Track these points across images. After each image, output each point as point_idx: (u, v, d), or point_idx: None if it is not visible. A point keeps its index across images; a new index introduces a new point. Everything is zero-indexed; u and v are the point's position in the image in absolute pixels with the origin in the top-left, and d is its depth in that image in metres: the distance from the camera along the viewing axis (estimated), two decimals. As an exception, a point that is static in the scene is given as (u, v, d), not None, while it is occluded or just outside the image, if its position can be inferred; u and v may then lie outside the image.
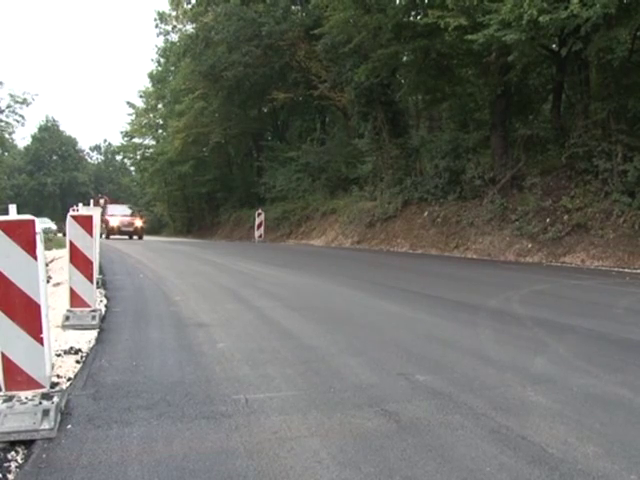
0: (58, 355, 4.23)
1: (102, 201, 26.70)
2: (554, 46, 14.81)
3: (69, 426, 2.99)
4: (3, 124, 41.59)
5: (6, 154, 55.48)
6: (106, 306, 6.48)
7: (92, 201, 10.86)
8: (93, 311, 5.41)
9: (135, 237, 25.71)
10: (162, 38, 37.97)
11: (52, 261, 11.27)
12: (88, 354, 4.42)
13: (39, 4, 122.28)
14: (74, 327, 5.14)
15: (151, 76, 44.63)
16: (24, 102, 40.64)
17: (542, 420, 3.10)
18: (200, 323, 5.68)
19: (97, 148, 78.47)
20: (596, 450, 2.74)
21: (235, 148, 35.16)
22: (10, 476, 2.52)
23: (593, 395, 3.54)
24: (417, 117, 23.08)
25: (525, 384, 3.72)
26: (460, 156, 17.19)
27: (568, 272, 11.01)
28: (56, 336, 4.72)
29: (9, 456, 2.66)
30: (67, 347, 4.47)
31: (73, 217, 5.31)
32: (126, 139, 46.06)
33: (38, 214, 3.68)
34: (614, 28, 11.41)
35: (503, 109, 16.31)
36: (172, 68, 40.06)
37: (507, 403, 3.36)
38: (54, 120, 69.07)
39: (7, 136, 45.60)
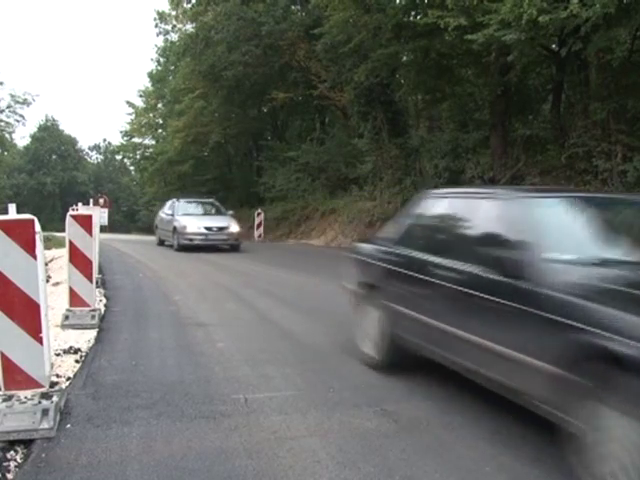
0: (57, 354, 4.23)
1: (102, 200, 26.66)
2: (554, 46, 14.76)
3: (68, 425, 2.99)
4: (3, 124, 41.47)
5: (5, 153, 55.35)
6: (105, 305, 6.47)
7: (92, 200, 10.87)
8: (92, 310, 5.41)
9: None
10: (162, 38, 37.75)
11: (51, 260, 11.25)
12: (87, 353, 4.42)
13: (39, 4, 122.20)
14: (73, 326, 5.13)
15: (151, 76, 44.48)
16: (25, 102, 40.51)
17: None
18: (200, 323, 5.68)
19: (97, 147, 78.19)
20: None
21: (235, 148, 35.06)
22: (9, 475, 2.51)
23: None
24: (417, 117, 23.03)
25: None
26: (460, 156, 17.16)
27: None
28: (55, 335, 4.72)
29: (8, 455, 2.66)
30: (66, 346, 4.47)
31: (73, 216, 5.32)
32: (126, 139, 45.86)
33: (37, 213, 3.67)
34: (614, 28, 11.39)
35: (503, 109, 16.27)
36: (172, 68, 39.94)
37: (507, 402, 3.36)
38: (54, 119, 68.70)
39: (7, 136, 45.49)
